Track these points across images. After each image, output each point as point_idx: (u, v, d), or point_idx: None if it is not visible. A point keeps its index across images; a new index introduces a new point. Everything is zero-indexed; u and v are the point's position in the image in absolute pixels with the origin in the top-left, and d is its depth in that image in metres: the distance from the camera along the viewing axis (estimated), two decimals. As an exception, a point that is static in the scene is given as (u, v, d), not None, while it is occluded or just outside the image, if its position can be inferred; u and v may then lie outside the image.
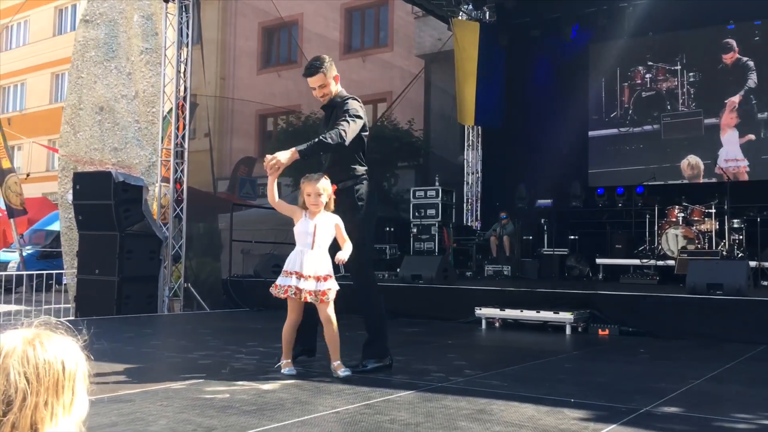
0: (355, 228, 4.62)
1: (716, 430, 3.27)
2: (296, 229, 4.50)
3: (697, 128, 12.74)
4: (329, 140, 4.44)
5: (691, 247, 10.51)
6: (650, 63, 13.28)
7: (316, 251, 4.42)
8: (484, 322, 7.77)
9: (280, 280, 4.46)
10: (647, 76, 13.32)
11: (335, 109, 4.80)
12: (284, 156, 4.31)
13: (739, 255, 10.27)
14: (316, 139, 4.48)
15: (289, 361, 4.62)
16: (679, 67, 13.01)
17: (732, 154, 12.37)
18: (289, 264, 4.46)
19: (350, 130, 4.55)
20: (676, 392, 4.07)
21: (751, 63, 12.33)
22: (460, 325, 7.92)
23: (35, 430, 1.24)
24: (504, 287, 8.83)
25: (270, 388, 4.19)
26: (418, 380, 4.43)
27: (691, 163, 12.75)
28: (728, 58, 12.50)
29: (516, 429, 3.20)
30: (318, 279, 4.38)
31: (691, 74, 12.89)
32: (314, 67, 4.73)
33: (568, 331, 7.21)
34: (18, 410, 1.22)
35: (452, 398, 3.88)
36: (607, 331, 7.17)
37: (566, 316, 7.25)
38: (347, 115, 4.61)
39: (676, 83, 13.02)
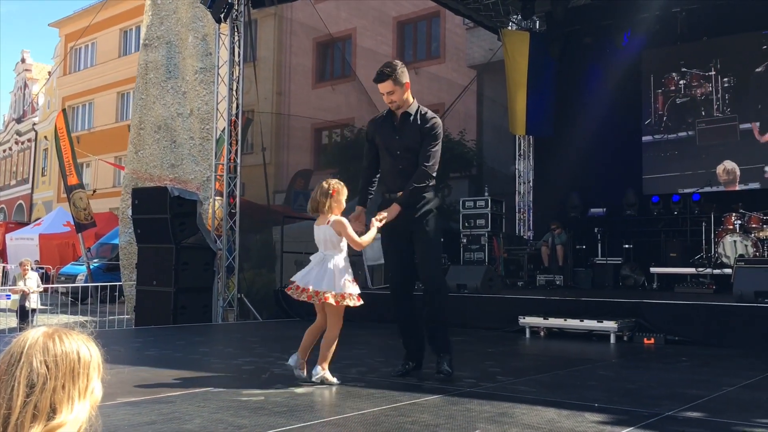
0: (435, 231, 4.80)
1: (733, 434, 3.27)
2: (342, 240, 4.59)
3: (732, 134, 12.49)
4: (422, 184, 4.65)
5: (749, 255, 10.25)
6: (684, 69, 13.10)
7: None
8: (528, 331, 7.78)
9: (352, 288, 4.53)
10: (681, 82, 13.14)
11: (413, 121, 4.79)
12: (392, 214, 4.58)
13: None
14: (412, 190, 4.64)
15: (303, 361, 4.67)
16: (713, 73, 12.81)
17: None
18: (350, 270, 4.59)
19: (437, 160, 4.72)
20: (705, 398, 4.06)
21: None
22: (504, 334, 7.95)
23: (54, 410, 1.41)
24: (549, 296, 8.81)
25: (303, 391, 4.35)
26: (448, 385, 4.53)
27: (727, 168, 12.48)
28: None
29: (532, 431, 3.27)
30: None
31: (725, 80, 12.67)
32: (384, 74, 4.70)
33: (612, 340, 7.16)
34: (39, 392, 1.40)
35: (477, 402, 3.97)
36: (652, 340, 7.09)
37: (610, 325, 7.21)
38: (433, 141, 4.71)
39: (711, 89, 12.82)
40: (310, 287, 4.43)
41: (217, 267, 10.32)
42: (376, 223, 4.58)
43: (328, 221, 4.49)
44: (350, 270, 4.55)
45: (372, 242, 4.68)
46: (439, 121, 4.81)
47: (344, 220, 4.52)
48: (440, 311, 4.87)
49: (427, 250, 4.78)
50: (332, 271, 4.43)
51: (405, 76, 4.73)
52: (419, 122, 4.77)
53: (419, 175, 4.66)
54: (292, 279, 4.63)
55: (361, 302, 4.48)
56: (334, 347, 4.51)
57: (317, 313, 4.62)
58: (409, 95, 4.82)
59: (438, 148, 4.74)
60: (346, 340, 4.95)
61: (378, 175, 4.99)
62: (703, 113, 12.83)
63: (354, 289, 4.47)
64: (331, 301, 4.38)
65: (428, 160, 4.68)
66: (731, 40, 12.55)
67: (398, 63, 4.78)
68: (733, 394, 4.27)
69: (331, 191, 4.49)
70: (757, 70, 12.28)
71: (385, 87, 4.71)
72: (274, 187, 18.22)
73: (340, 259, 4.50)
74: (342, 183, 4.61)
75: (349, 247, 4.59)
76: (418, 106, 4.84)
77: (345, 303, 4.44)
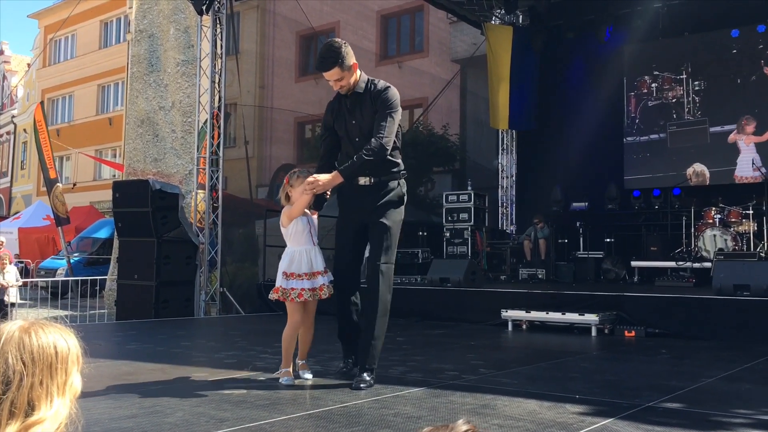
0: (393, 225, 4.33)
1: (711, 425, 3.31)
2: (294, 229, 4.31)
3: (702, 136, 12.70)
4: (372, 157, 4.12)
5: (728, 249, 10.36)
6: (656, 73, 13.28)
7: (317, 247, 4.40)
8: (510, 324, 7.82)
9: (290, 283, 4.26)
10: (653, 85, 13.33)
11: (366, 97, 4.30)
12: (326, 179, 4.13)
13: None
14: (358, 160, 4.12)
15: (290, 369, 4.38)
16: (684, 76, 12.98)
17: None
18: (294, 265, 4.28)
19: (391, 132, 4.20)
20: (684, 390, 4.10)
21: None
22: (486, 328, 7.98)
23: (32, 407, 1.38)
24: (531, 290, 8.86)
25: (287, 384, 4.34)
26: (431, 378, 4.54)
27: (697, 170, 12.68)
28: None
29: (514, 422, 3.29)
30: (323, 273, 4.35)
31: (696, 83, 12.86)
32: (327, 61, 4.18)
33: (593, 332, 7.21)
34: (16, 389, 1.36)
35: (460, 394, 3.99)
36: (633, 333, 7.15)
37: (591, 318, 7.26)
38: (389, 112, 4.21)
39: (682, 92, 13.00)
40: (325, 282, 4.36)
41: (200, 261, 10.27)
42: (307, 188, 4.11)
43: None
44: (285, 262, 4.31)
45: (301, 212, 4.26)
46: (393, 90, 4.29)
47: (284, 208, 4.33)
48: (373, 323, 4.24)
49: (378, 246, 4.28)
50: (280, 265, 4.36)
51: (351, 57, 4.22)
52: (370, 98, 4.28)
53: (369, 147, 4.13)
54: (298, 284, 4.38)
55: (277, 296, 4.28)
56: (288, 344, 4.37)
57: (296, 313, 4.38)
58: (356, 74, 4.30)
59: (393, 119, 4.21)
60: (329, 333, 4.93)
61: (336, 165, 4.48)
62: (675, 116, 13.01)
63: (280, 281, 4.29)
64: (274, 296, 4.35)
65: (380, 131, 4.16)
66: (702, 39, 12.69)
67: (341, 44, 4.21)
68: (712, 386, 4.32)
69: (284, 182, 4.34)
70: (730, 73, 12.46)
71: (332, 75, 4.20)
72: (257, 180, 18.16)
73: (285, 252, 4.39)
74: (301, 171, 4.31)
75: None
76: (368, 80, 4.33)
77: (271, 297, 4.36)
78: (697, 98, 12.83)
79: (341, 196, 4.56)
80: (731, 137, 12.41)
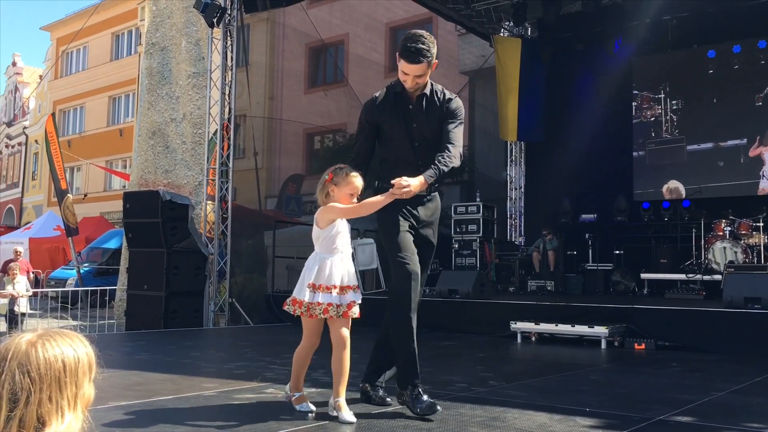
0: (435, 236, 4.10)
1: (723, 438, 3.30)
2: (332, 232, 3.70)
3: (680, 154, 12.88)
4: (454, 164, 3.82)
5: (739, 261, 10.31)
6: (635, 92, 13.50)
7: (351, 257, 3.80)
8: (519, 336, 7.80)
9: (316, 296, 3.62)
10: (632, 104, 13.52)
11: (433, 102, 3.97)
12: (415, 184, 3.62)
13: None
14: (441, 167, 3.74)
15: (303, 394, 3.89)
16: (662, 95, 13.14)
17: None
18: (324, 276, 3.64)
19: (461, 143, 3.96)
20: (695, 403, 4.08)
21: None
22: (496, 339, 7.97)
23: (42, 422, 1.36)
24: (540, 302, 8.84)
25: (304, 412, 4.33)
26: (440, 390, 4.53)
27: (671, 187, 12.76)
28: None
29: (524, 435, 3.28)
30: (354, 289, 3.72)
31: (674, 102, 13.04)
32: (421, 55, 3.77)
33: (603, 345, 7.19)
34: (24, 406, 1.34)
35: (469, 406, 3.98)
36: (643, 346, 7.12)
37: (601, 330, 7.24)
38: (460, 122, 3.96)
39: (660, 111, 13.15)
40: (353, 299, 3.69)
41: (209, 271, 10.30)
42: (396, 192, 3.58)
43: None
44: (314, 272, 3.66)
45: (369, 211, 3.71)
46: (459, 100, 4.04)
47: (332, 204, 3.68)
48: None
49: (424, 266, 3.97)
50: (303, 275, 3.72)
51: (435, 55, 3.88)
52: (438, 104, 3.97)
53: (449, 155, 3.78)
54: (325, 299, 3.72)
55: (298, 310, 3.64)
56: (301, 365, 3.83)
57: (314, 333, 3.81)
58: None
59: (461, 130, 3.96)
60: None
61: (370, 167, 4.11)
62: (653, 134, 13.14)
63: (300, 293, 3.66)
64: (297, 311, 3.68)
65: (454, 140, 3.85)
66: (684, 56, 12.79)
67: (432, 39, 3.83)
68: (723, 399, 4.30)
69: (326, 177, 3.70)
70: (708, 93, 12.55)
71: (417, 70, 3.80)
72: (266, 191, 18.20)
73: (313, 260, 3.72)
74: (348, 168, 3.75)
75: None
76: (432, 85, 4.01)
77: (288, 309, 3.71)
78: (675, 117, 13.00)
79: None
80: (753, 151, 12.37)
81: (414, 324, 3.82)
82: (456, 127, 3.94)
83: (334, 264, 3.65)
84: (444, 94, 4.00)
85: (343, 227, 3.74)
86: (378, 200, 3.66)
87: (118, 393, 4.37)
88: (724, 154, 12.58)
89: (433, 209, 4.09)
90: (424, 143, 3.97)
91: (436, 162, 3.76)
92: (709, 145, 12.77)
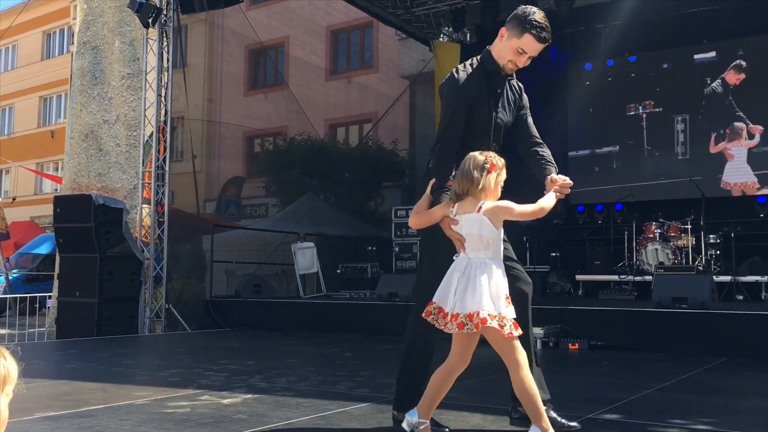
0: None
1: (648, 435, 3.40)
2: (499, 236, 3.17)
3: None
4: None
5: (668, 263, 10.65)
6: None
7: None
8: (457, 338, 7.86)
9: (511, 311, 3.06)
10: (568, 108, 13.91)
11: (513, 87, 3.68)
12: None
13: (716, 270, 10.41)
14: (552, 159, 3.58)
15: (428, 424, 3.21)
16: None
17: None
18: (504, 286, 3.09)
19: None
20: (623, 401, 4.20)
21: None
22: (440, 343, 8.00)
23: None
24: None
25: (230, 402, 4.30)
26: (378, 393, 4.55)
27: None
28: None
29: (458, 436, 3.32)
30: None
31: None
32: (548, 38, 3.44)
33: (538, 345, 7.31)
34: None
35: (405, 409, 3.99)
36: (576, 346, 7.29)
37: (536, 331, 7.35)
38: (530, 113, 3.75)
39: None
40: (459, 311, 3.04)
41: (144, 277, 10.08)
42: (562, 189, 3.32)
43: (479, 208, 3.09)
44: (504, 280, 3.10)
45: (543, 214, 3.24)
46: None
47: (507, 203, 3.12)
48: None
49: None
50: (486, 284, 3.02)
51: None
52: (518, 93, 3.68)
53: (546, 149, 3.63)
54: (434, 300, 3.19)
55: (494, 325, 2.99)
56: (533, 394, 3.11)
57: (466, 350, 3.28)
58: None
59: None
60: (277, 349, 4.90)
61: None
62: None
63: (511, 312, 3.06)
64: (494, 324, 2.97)
65: (537, 134, 3.68)
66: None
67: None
68: (650, 397, 4.43)
69: (488, 165, 3.10)
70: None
71: (538, 50, 3.46)
72: (205, 195, 17.96)
73: (495, 267, 3.08)
74: (494, 156, 3.18)
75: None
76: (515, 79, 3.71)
77: (508, 332, 3.02)
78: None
79: None
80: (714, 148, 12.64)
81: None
82: (531, 120, 3.71)
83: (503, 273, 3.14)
84: (520, 84, 3.71)
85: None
86: (552, 202, 3.29)
87: (45, 403, 4.23)
88: (600, 160, 13.39)
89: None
90: (498, 131, 3.61)
91: (551, 159, 3.57)
92: (587, 151, 13.56)
